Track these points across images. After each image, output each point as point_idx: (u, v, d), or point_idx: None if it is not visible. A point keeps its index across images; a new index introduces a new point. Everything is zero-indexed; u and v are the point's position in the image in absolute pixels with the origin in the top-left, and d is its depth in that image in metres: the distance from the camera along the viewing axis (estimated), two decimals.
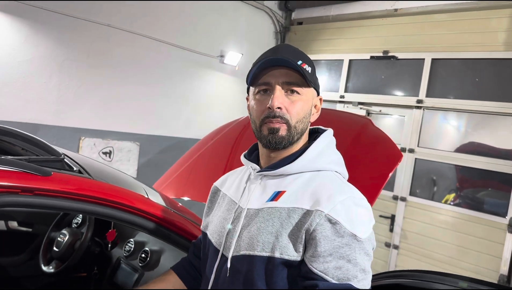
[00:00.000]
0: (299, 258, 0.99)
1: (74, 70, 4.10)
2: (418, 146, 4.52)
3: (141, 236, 2.19)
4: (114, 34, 4.29)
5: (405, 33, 4.64)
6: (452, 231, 4.18)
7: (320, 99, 1.18)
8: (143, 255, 2.06)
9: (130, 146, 4.64)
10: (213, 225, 1.23)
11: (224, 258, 1.12)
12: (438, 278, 1.70)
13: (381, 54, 4.79)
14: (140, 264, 2.04)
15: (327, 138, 1.16)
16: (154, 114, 4.84)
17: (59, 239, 2.19)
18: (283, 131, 1.08)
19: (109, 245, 2.20)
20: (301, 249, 0.99)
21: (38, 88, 3.91)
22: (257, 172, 1.15)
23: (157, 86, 4.78)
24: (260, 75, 1.10)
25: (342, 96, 5.11)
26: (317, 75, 1.18)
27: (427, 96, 4.46)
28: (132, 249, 2.14)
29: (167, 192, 2.57)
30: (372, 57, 4.87)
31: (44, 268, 2.18)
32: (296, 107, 1.08)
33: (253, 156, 1.22)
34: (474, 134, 4.29)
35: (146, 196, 1.50)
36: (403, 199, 4.54)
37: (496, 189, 4.08)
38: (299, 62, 1.07)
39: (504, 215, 3.89)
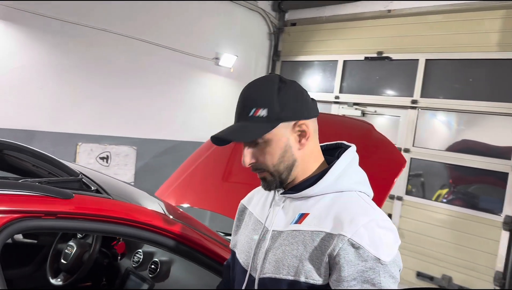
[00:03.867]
0: (324, 282, 1.01)
1: (70, 76, 4.08)
2: (413, 145, 4.57)
3: (149, 247, 2.20)
4: (109, 38, 4.27)
5: (399, 34, 4.68)
6: (448, 229, 4.25)
7: (303, 124, 1.09)
8: (152, 266, 2.06)
9: (127, 150, 4.63)
10: (241, 244, 1.25)
11: (251, 278, 1.15)
12: None
13: (375, 55, 4.83)
14: (150, 275, 2.04)
15: (349, 156, 1.14)
16: (150, 117, 4.82)
17: (66, 251, 2.18)
18: (268, 177, 1.12)
19: (119, 257, 2.20)
20: (325, 273, 1.01)
21: (34, 94, 3.88)
22: (281, 193, 1.17)
23: (152, 90, 4.77)
24: None
25: (337, 97, 5.15)
26: (295, 95, 1.10)
27: (421, 96, 4.52)
28: (141, 259, 2.14)
29: (170, 200, 2.58)
30: (366, 58, 4.91)
31: (52, 281, 2.17)
32: (265, 154, 1.09)
33: None
34: (467, 133, 4.36)
35: (163, 212, 1.51)
36: (400, 199, 4.61)
37: (491, 187, 4.16)
38: (252, 112, 1.08)
39: (499, 212, 3.98)
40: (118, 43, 4.34)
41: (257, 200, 1.30)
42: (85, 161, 4.23)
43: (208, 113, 5.32)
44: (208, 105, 5.32)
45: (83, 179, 1.35)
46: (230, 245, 1.34)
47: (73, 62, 4.08)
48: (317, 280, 1.01)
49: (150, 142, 4.85)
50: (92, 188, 1.34)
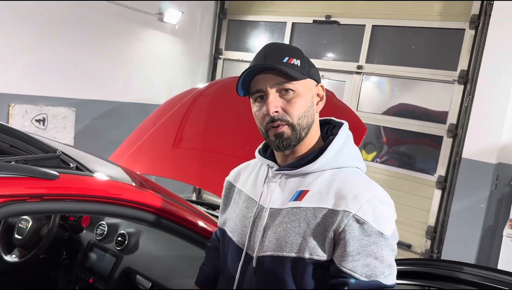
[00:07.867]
0: (327, 258, 1.04)
1: None
2: (357, 110, 4.74)
3: (113, 219, 2.11)
4: None
5: None
6: (386, 188, 4.42)
7: (322, 87, 1.15)
8: (119, 239, 1.99)
9: (65, 112, 4.31)
10: (232, 222, 1.21)
11: (248, 256, 1.13)
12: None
13: (323, 19, 4.85)
14: (118, 248, 1.98)
15: (345, 133, 1.15)
16: (89, 76, 4.50)
17: (20, 225, 2.03)
18: (287, 132, 1.08)
19: (84, 230, 2.09)
20: (329, 249, 1.03)
21: None
22: (276, 170, 1.15)
23: (90, 46, 4.42)
24: (253, 83, 1.10)
25: None
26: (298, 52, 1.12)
27: (366, 62, 4.66)
28: (105, 232, 2.05)
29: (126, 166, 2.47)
30: (315, 21, 4.91)
31: (6, 257, 2.02)
32: (294, 104, 1.07)
33: (268, 153, 1.20)
34: (407, 98, 4.61)
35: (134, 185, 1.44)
36: None
37: (427, 149, 4.48)
38: (286, 59, 1.06)
39: (433, 173, 4.32)
40: None
41: (246, 177, 1.27)
42: (19, 124, 3.88)
43: (152, 73, 5.07)
44: (151, 64, 5.06)
45: (60, 156, 1.23)
46: (218, 224, 1.31)
47: (1, 14, 3.63)
48: (322, 256, 1.03)
49: (89, 103, 4.55)
50: (71, 165, 1.24)
